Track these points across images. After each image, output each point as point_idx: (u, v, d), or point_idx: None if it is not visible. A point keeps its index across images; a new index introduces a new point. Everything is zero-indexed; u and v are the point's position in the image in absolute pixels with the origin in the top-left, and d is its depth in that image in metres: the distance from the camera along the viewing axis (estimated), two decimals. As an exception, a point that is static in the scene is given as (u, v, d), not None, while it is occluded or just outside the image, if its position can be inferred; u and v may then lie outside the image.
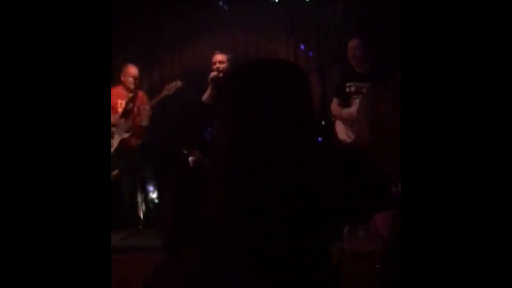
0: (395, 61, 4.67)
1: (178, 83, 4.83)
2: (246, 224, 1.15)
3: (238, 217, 1.15)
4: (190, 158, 5.29)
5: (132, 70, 5.05)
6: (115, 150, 4.84)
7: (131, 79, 5.00)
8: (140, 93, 5.09)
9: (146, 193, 5.23)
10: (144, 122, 4.87)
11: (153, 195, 5.33)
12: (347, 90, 4.55)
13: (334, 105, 4.70)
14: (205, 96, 4.61)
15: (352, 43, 4.58)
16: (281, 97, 1.17)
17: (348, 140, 4.54)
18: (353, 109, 4.38)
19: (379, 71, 4.39)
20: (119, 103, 4.95)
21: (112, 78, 4.90)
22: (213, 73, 4.55)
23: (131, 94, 4.97)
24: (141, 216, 4.93)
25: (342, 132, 4.62)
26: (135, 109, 4.91)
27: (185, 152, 5.36)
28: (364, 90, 4.26)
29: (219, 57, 4.59)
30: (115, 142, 4.86)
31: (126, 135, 4.90)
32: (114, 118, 4.82)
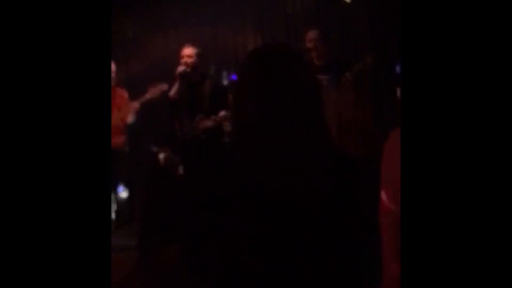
0: (354, 53, 4.66)
1: (164, 86, 4.64)
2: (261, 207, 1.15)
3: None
4: (161, 156, 5.20)
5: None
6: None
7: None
8: (118, 90, 4.92)
9: (116, 192, 5.11)
10: (129, 118, 4.70)
11: (124, 195, 5.21)
12: None
13: None
14: (172, 91, 4.51)
15: (311, 34, 4.50)
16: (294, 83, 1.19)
17: None
18: None
19: (337, 63, 4.35)
20: None
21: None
22: (181, 68, 4.45)
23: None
24: (112, 216, 4.81)
25: None
26: (114, 107, 4.74)
27: (155, 150, 5.27)
28: (324, 82, 4.20)
29: (187, 51, 4.49)
30: None
31: None
32: None
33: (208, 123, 4.41)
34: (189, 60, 4.44)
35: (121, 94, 4.87)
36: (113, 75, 4.76)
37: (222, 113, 4.39)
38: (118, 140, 4.80)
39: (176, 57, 4.60)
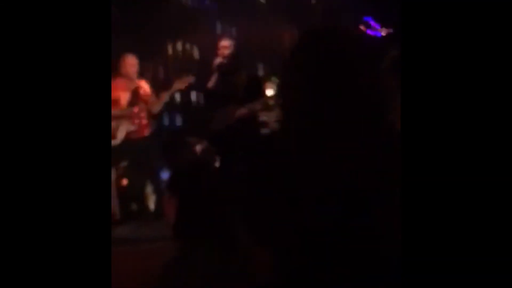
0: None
1: (190, 78, 4.71)
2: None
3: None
4: (198, 148, 5.26)
5: (132, 60, 4.85)
6: (122, 143, 4.78)
7: (132, 70, 4.81)
8: (143, 83, 5.00)
9: (155, 184, 5.19)
10: (155, 109, 4.81)
11: (163, 186, 5.29)
12: None
13: None
14: (210, 83, 4.57)
15: None
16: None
17: None
18: None
19: None
20: (122, 95, 4.86)
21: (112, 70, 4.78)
22: (218, 59, 4.50)
23: (133, 86, 4.89)
24: (151, 207, 4.90)
25: None
26: (140, 100, 4.84)
27: (192, 141, 5.34)
28: None
29: (224, 42, 4.54)
30: (120, 135, 4.78)
31: (132, 128, 4.82)
32: (118, 110, 4.73)
33: (243, 113, 4.44)
34: (226, 52, 4.49)
35: (143, 87, 4.91)
36: (134, 68, 4.83)
37: (257, 103, 4.42)
38: (145, 131, 4.89)
39: (213, 50, 4.66)
